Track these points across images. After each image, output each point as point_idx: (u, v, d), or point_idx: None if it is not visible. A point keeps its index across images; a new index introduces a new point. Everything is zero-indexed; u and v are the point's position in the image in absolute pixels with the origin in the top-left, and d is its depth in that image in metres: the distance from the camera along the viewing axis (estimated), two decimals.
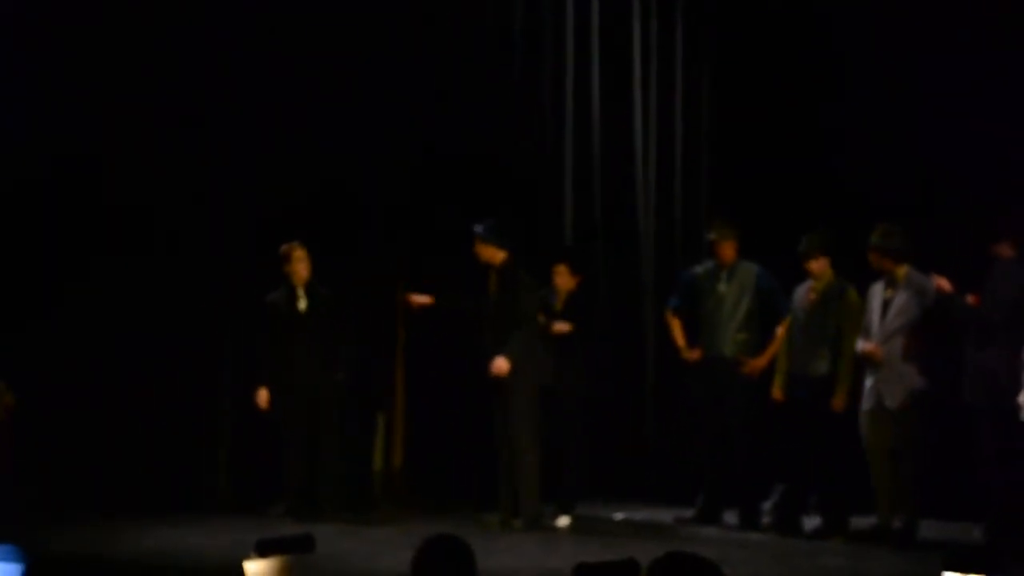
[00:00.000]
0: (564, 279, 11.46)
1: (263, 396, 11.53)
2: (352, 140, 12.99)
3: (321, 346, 11.50)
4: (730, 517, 11.21)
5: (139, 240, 12.80)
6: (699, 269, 11.43)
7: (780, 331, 11.06)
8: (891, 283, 10.42)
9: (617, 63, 12.93)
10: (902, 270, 10.37)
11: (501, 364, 10.84)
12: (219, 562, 9.63)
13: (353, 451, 12.74)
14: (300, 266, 11.52)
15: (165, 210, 12.84)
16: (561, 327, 11.26)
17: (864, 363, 10.49)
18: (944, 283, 10.10)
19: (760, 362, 11.09)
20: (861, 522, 10.63)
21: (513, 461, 10.93)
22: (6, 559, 5.79)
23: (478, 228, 11.03)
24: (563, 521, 11.22)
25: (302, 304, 11.54)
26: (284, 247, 11.56)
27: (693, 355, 11.34)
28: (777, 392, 10.96)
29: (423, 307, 11.42)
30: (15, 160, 12.60)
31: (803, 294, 10.90)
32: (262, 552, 5.52)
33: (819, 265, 10.78)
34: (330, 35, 12.88)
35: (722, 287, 11.23)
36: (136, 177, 12.69)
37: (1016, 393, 9.72)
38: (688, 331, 11.44)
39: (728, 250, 11.21)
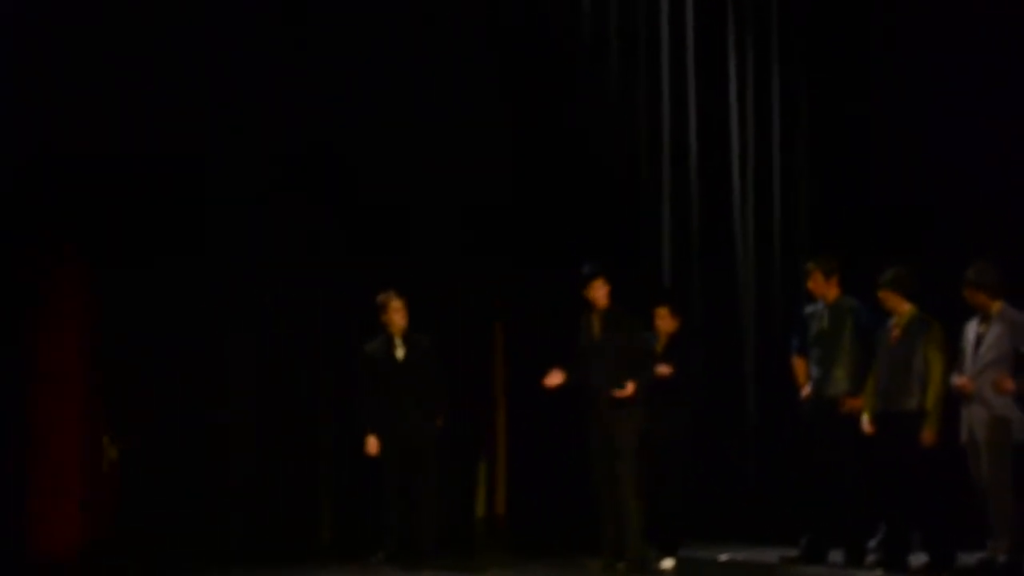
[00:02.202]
0: (665, 321, 11.40)
1: (373, 443, 11.50)
2: (443, 173, 13.06)
3: (420, 394, 11.51)
4: (835, 556, 11.10)
5: (242, 296, 12.90)
6: (809, 308, 11.37)
7: None
8: (985, 318, 10.40)
9: (712, 96, 12.91)
10: (997, 305, 10.37)
11: (631, 387, 10.70)
12: None
13: (455, 497, 12.75)
14: (397, 316, 11.55)
15: (263, 268, 12.96)
16: (663, 370, 11.19)
17: (958, 397, 10.43)
18: None
19: (859, 401, 10.95)
20: (970, 558, 10.49)
21: (617, 504, 10.87)
22: None
23: (587, 269, 10.95)
24: (667, 563, 11.13)
25: (400, 353, 11.56)
26: (381, 297, 11.60)
27: (804, 393, 11.28)
28: (867, 425, 10.83)
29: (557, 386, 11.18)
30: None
31: (887, 332, 10.81)
32: None
33: (887, 300, 10.72)
34: (407, 58, 12.95)
35: (823, 324, 11.16)
36: (232, 236, 12.82)
37: None
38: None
39: (816, 284, 11.16)
